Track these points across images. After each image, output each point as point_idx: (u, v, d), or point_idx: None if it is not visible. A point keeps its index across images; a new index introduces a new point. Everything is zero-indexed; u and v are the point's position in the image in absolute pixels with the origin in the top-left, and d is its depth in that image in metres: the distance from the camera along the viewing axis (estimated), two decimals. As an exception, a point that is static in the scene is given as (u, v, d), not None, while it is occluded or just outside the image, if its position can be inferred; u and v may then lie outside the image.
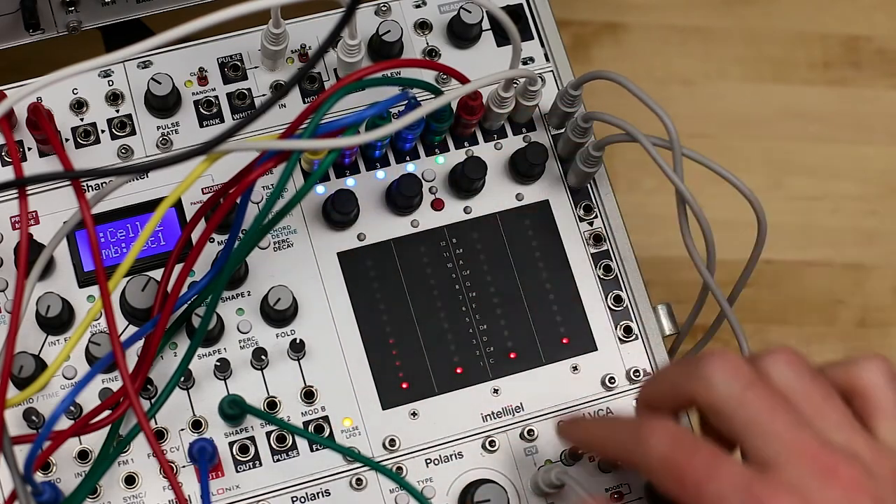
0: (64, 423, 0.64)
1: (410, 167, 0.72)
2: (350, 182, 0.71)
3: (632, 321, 0.71)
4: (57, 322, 0.66)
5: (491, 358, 0.70)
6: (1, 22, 0.71)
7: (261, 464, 0.67)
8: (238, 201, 0.64)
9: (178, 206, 0.69)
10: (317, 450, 0.67)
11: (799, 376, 0.59)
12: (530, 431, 0.69)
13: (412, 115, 0.63)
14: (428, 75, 0.72)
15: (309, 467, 0.67)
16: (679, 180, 0.66)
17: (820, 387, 0.59)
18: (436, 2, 0.74)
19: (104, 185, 0.69)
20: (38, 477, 0.65)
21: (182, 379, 0.66)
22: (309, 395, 0.68)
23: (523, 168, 0.71)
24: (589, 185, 0.73)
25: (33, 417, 0.64)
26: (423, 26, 0.74)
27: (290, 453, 0.67)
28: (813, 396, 0.58)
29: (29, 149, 0.70)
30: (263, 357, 0.67)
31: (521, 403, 0.69)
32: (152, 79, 0.70)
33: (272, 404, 0.67)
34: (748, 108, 1.00)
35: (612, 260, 0.72)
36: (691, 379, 0.59)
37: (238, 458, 0.67)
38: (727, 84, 1.01)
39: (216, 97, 0.71)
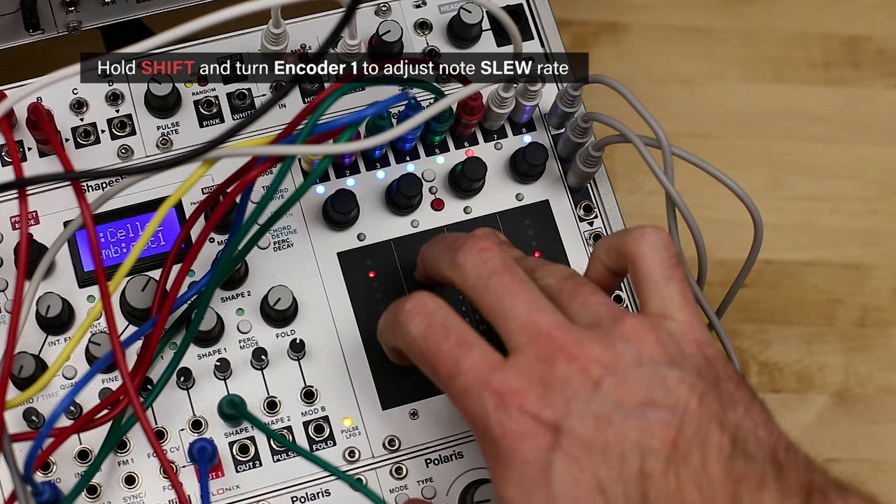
0: (64, 424, 0.64)
1: (410, 167, 0.72)
2: (350, 182, 0.71)
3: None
4: (57, 322, 0.66)
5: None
6: (1, 22, 0.71)
7: (261, 464, 0.67)
8: (237, 200, 0.64)
9: (178, 206, 0.69)
10: (317, 450, 0.67)
11: (556, 270, 0.61)
12: (530, 431, 0.69)
13: (415, 120, 0.63)
14: (428, 75, 0.72)
15: (309, 467, 0.67)
16: (669, 183, 0.66)
17: (572, 280, 0.60)
18: (436, 2, 0.74)
19: (108, 185, 0.69)
20: (38, 477, 0.65)
21: (182, 378, 0.66)
22: (309, 395, 0.68)
23: (523, 168, 0.71)
24: (589, 185, 0.73)
25: (33, 417, 0.65)
26: (423, 26, 0.74)
27: (290, 453, 0.67)
28: (563, 289, 0.60)
29: (29, 149, 0.70)
30: (263, 357, 0.67)
31: (521, 403, 0.69)
32: (152, 79, 0.70)
33: (272, 404, 0.67)
34: (748, 108, 1.00)
35: (612, 260, 0.72)
36: (448, 266, 0.61)
37: (238, 458, 0.67)
38: (727, 84, 1.01)
39: (216, 97, 0.71)
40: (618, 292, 0.71)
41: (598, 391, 0.56)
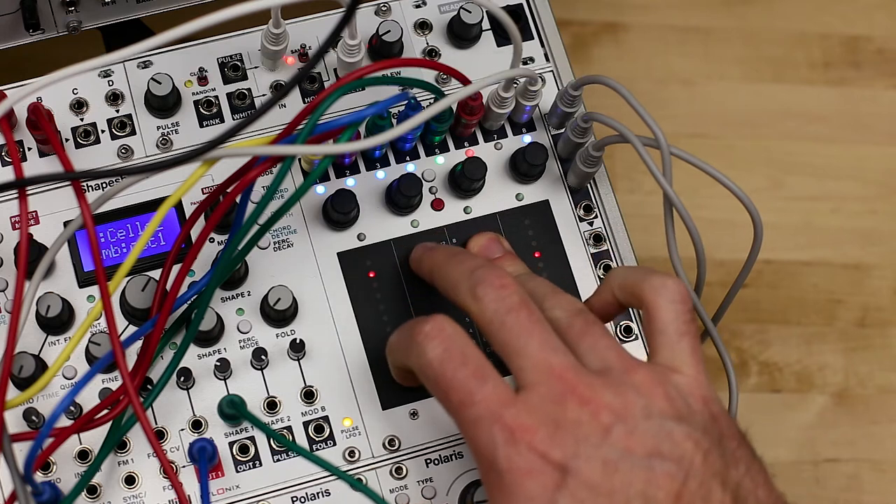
0: (64, 424, 0.64)
1: (410, 167, 0.72)
2: (350, 182, 0.71)
3: (631, 321, 0.71)
4: (57, 322, 0.66)
5: (491, 358, 0.69)
6: (1, 22, 0.71)
7: (261, 464, 0.67)
8: (237, 200, 0.64)
9: (178, 206, 0.69)
10: (317, 450, 0.67)
11: (569, 314, 0.61)
12: (530, 431, 0.69)
13: (415, 120, 0.63)
14: (428, 75, 0.72)
15: (309, 467, 0.67)
16: (667, 183, 0.66)
17: (581, 318, 0.60)
18: (436, 2, 0.74)
19: (108, 185, 0.69)
20: (38, 477, 0.65)
21: (182, 379, 0.66)
22: (309, 395, 0.68)
23: (523, 168, 0.71)
24: (589, 185, 0.73)
25: (33, 417, 0.65)
26: (423, 26, 0.74)
27: (290, 453, 0.67)
28: (572, 327, 0.60)
29: (29, 149, 0.70)
30: (263, 357, 0.67)
31: (521, 403, 0.69)
32: (152, 79, 0.70)
33: (272, 404, 0.67)
34: (748, 108, 1.00)
35: (612, 260, 0.72)
36: (467, 295, 0.61)
37: (238, 458, 0.67)
38: (727, 84, 1.01)
39: (216, 97, 0.71)
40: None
41: (608, 437, 0.56)
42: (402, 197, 0.70)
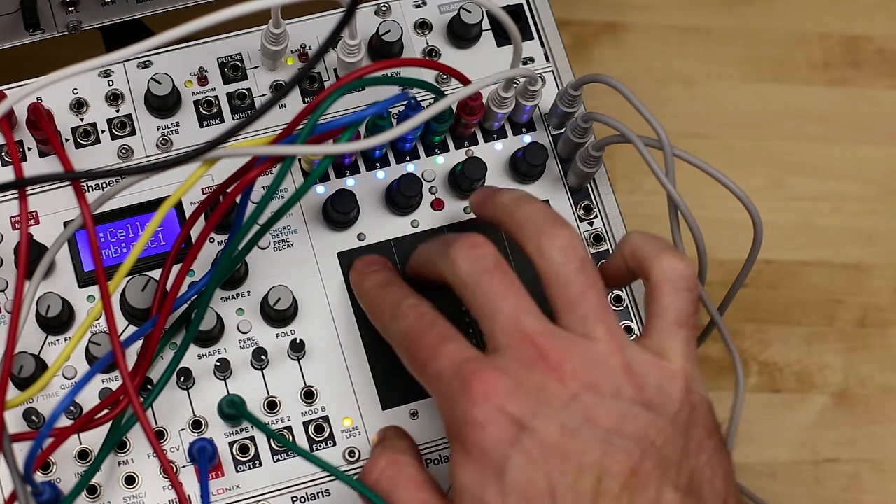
0: (64, 424, 0.64)
1: (410, 167, 0.72)
2: (350, 182, 0.71)
3: (632, 321, 0.71)
4: (57, 322, 0.66)
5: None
6: (1, 22, 0.71)
7: (261, 464, 0.67)
8: (237, 200, 0.64)
9: (178, 206, 0.69)
10: (317, 450, 0.67)
11: (566, 261, 0.59)
12: (530, 431, 0.69)
13: (415, 120, 0.63)
14: (428, 75, 0.72)
15: (309, 467, 0.67)
16: (670, 184, 0.66)
17: (583, 277, 0.59)
18: (436, 2, 0.74)
19: (108, 185, 0.69)
20: (38, 477, 0.65)
21: (182, 378, 0.66)
22: (309, 395, 0.68)
23: (523, 168, 0.71)
24: (589, 185, 0.73)
25: (33, 417, 0.65)
26: (423, 26, 0.74)
27: (290, 453, 0.67)
28: (569, 286, 0.59)
29: (29, 149, 0.70)
30: (263, 357, 0.67)
31: (521, 403, 0.69)
32: (152, 79, 0.70)
33: (272, 404, 0.67)
34: (748, 108, 1.00)
35: (612, 260, 0.72)
36: (441, 259, 0.61)
37: (238, 458, 0.67)
38: (727, 84, 1.01)
39: (216, 97, 0.71)
40: (618, 291, 0.71)
41: (571, 405, 0.56)
42: (402, 197, 0.70)
